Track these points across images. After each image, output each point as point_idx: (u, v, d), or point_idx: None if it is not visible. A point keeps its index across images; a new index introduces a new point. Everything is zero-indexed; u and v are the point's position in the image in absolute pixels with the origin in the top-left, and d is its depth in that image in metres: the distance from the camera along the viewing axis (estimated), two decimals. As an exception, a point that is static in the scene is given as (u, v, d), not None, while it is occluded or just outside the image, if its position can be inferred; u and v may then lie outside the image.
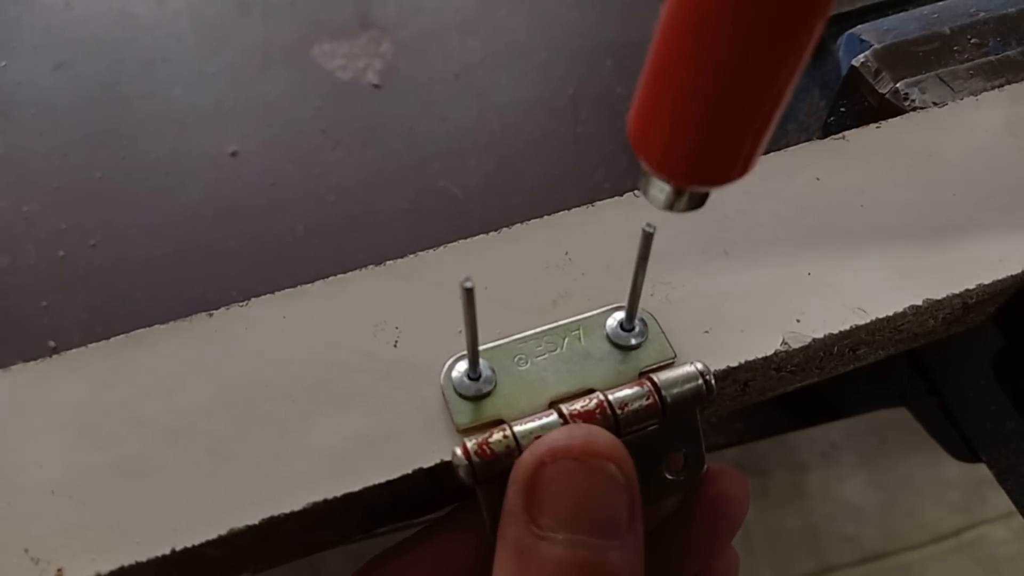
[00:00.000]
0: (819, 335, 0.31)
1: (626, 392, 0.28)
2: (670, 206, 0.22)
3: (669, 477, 0.29)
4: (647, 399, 0.28)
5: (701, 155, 0.20)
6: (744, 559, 0.77)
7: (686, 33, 0.17)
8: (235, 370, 0.30)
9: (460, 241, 0.33)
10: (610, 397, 0.28)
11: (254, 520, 0.27)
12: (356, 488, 0.27)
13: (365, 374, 0.30)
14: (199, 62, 0.71)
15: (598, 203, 0.34)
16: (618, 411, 0.27)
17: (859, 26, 0.45)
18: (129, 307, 0.60)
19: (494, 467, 0.26)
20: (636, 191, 0.35)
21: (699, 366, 0.29)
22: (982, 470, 0.46)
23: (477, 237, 0.33)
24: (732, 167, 0.20)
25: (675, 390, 0.28)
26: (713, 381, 0.28)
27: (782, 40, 0.17)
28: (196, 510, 0.27)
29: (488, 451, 0.26)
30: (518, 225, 0.33)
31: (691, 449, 0.29)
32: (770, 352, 0.31)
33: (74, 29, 0.72)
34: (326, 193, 0.66)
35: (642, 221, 0.34)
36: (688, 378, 0.28)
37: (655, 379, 0.28)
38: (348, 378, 0.30)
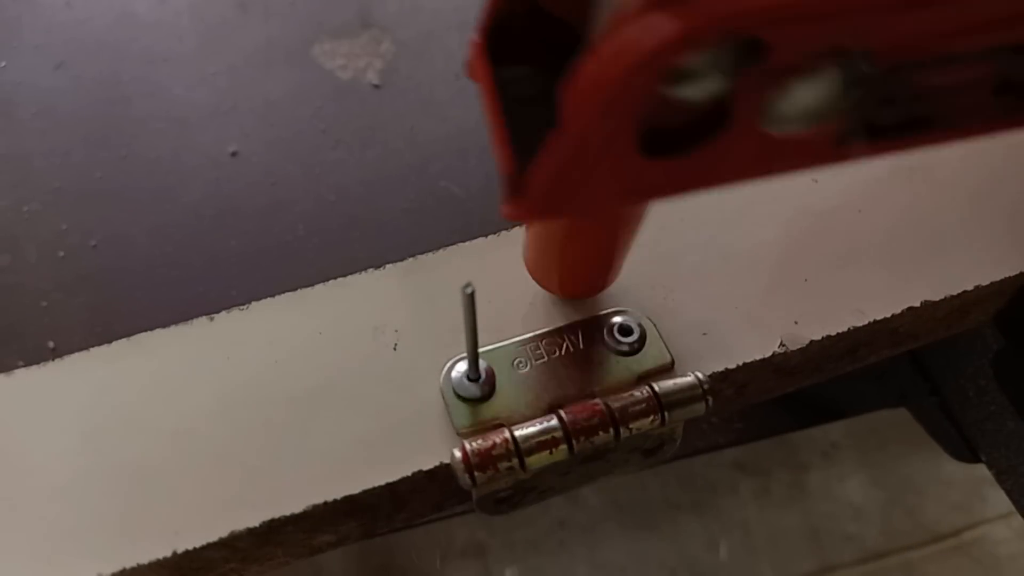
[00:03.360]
0: (817, 337, 0.31)
1: (626, 399, 0.28)
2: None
3: (647, 450, 0.30)
4: (647, 406, 0.28)
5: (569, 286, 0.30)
6: (744, 559, 0.78)
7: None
8: (236, 373, 0.30)
9: (459, 244, 0.33)
10: (611, 404, 0.28)
11: (255, 523, 0.27)
12: (356, 490, 0.27)
13: (365, 377, 0.30)
14: (200, 62, 0.71)
15: (597, 205, 0.34)
16: (618, 417, 0.27)
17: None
18: (130, 307, 0.60)
19: (494, 471, 0.26)
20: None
21: (700, 376, 0.28)
22: (982, 470, 0.46)
23: (476, 240, 0.33)
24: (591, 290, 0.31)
25: (675, 398, 0.28)
26: (711, 399, 0.28)
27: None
28: (197, 512, 0.27)
29: (488, 456, 0.26)
30: (517, 227, 0.33)
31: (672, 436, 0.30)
32: (768, 354, 0.31)
33: (75, 29, 0.72)
34: (326, 193, 0.66)
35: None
36: (688, 388, 0.28)
37: (656, 388, 0.28)
38: (348, 381, 0.30)
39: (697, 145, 0.18)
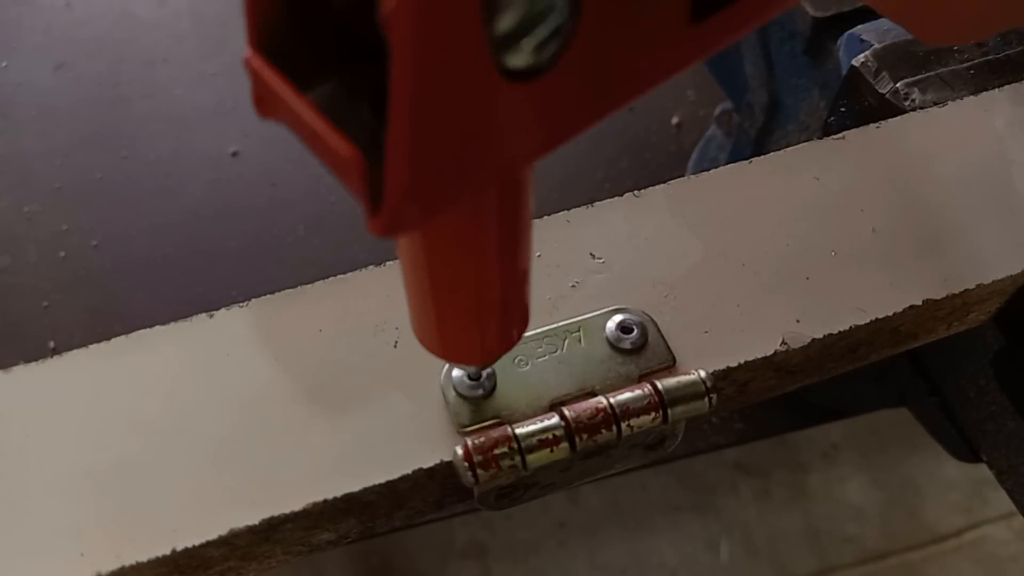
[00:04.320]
0: (818, 335, 0.31)
1: (628, 396, 0.28)
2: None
3: (649, 445, 0.30)
4: (649, 403, 0.28)
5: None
6: (744, 559, 0.77)
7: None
8: (235, 371, 0.30)
9: (460, 241, 0.33)
10: (613, 401, 0.27)
11: (254, 520, 0.27)
12: (356, 488, 0.27)
13: (365, 374, 0.30)
14: (200, 62, 0.71)
15: (598, 203, 0.34)
16: (619, 414, 0.27)
17: (859, 26, 0.45)
18: (130, 307, 0.60)
19: (496, 469, 0.26)
20: (636, 191, 0.35)
21: (702, 374, 0.28)
22: (983, 470, 0.46)
23: (477, 237, 0.33)
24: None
25: (677, 395, 0.28)
26: (714, 397, 0.28)
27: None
28: (196, 510, 0.27)
29: (490, 454, 0.26)
30: (518, 225, 0.33)
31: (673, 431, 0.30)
32: (770, 352, 0.31)
33: (75, 30, 0.72)
34: (326, 193, 0.66)
35: (642, 221, 0.34)
36: (691, 385, 0.28)
37: (659, 385, 0.28)
38: (348, 378, 0.30)
39: (554, 55, 0.15)
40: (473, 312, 0.23)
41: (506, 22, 0.13)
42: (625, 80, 0.17)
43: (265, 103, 0.15)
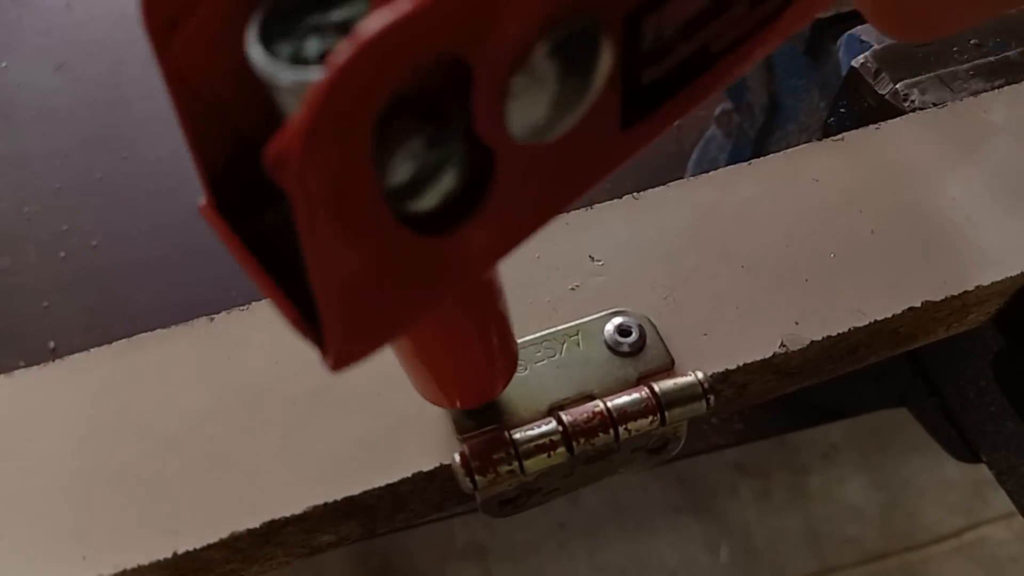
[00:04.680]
0: (817, 337, 0.31)
1: (625, 399, 0.28)
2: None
3: (651, 449, 0.30)
4: (646, 406, 0.28)
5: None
6: (744, 560, 0.77)
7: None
8: (236, 374, 0.30)
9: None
10: (610, 405, 0.27)
11: (255, 523, 0.27)
12: (356, 491, 0.27)
13: (365, 378, 0.30)
14: (200, 63, 0.71)
15: (597, 205, 0.34)
16: (617, 418, 0.27)
17: (859, 26, 0.45)
18: (130, 308, 0.60)
19: (494, 474, 0.26)
20: (635, 193, 0.35)
21: (699, 375, 0.28)
22: (983, 471, 0.46)
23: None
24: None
25: (675, 397, 0.28)
26: (712, 398, 0.28)
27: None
28: (197, 513, 0.27)
29: (488, 460, 0.26)
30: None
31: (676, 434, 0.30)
32: (769, 354, 0.31)
33: (75, 31, 0.72)
34: (327, 194, 0.66)
35: (641, 223, 0.34)
36: (688, 387, 0.28)
37: (656, 388, 0.28)
38: (348, 381, 0.30)
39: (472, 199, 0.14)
40: (455, 377, 0.25)
41: (399, 176, 0.12)
42: (558, 190, 0.16)
43: (227, 241, 0.15)
